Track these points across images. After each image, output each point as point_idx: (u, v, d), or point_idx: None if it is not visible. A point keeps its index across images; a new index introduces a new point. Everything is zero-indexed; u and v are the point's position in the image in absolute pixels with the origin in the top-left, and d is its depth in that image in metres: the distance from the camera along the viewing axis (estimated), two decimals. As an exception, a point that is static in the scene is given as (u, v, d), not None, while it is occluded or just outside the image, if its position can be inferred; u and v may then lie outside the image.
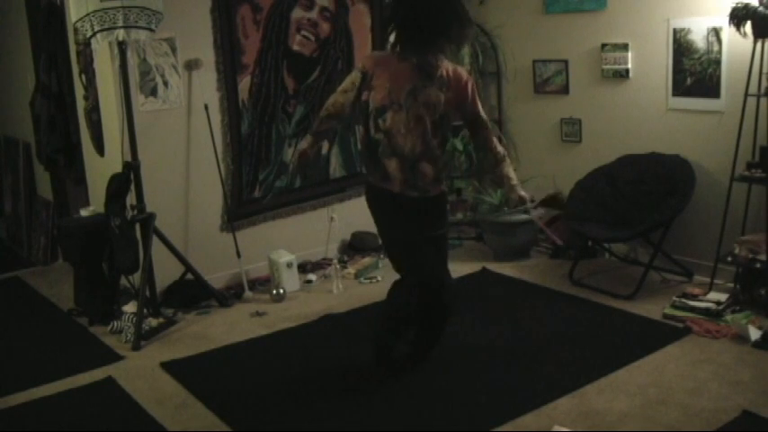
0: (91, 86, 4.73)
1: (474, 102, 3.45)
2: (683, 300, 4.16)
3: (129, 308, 4.38)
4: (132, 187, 4.35)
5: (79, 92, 4.92)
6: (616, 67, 4.86)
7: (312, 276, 5.04)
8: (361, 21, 5.33)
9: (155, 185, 4.52)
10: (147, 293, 4.39)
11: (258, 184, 5.02)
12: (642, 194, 4.62)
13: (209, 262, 4.81)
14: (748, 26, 3.99)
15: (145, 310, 4.29)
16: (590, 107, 5.12)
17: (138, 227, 4.38)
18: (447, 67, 3.38)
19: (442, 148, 3.43)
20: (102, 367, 3.89)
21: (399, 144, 3.33)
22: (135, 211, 4.35)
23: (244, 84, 4.85)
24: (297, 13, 5.01)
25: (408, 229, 3.41)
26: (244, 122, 4.88)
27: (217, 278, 4.84)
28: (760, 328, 3.80)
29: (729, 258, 4.17)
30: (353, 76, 3.47)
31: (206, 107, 4.65)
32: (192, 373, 3.79)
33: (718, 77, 4.38)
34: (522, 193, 3.48)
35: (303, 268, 5.11)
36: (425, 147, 3.35)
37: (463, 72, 3.46)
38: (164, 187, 4.63)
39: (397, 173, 3.36)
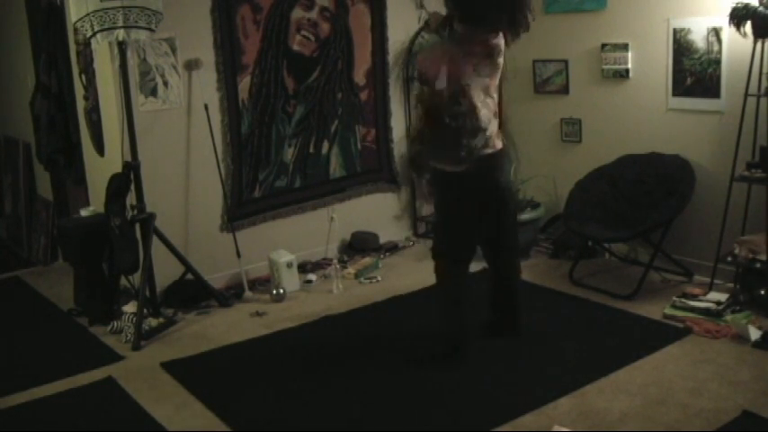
0: (91, 86, 4.73)
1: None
2: (683, 300, 4.16)
3: (129, 308, 4.37)
4: (132, 187, 4.35)
5: (79, 92, 4.92)
6: (616, 67, 4.86)
7: (312, 276, 5.04)
8: (361, 21, 5.33)
9: (155, 185, 4.52)
10: (147, 293, 4.39)
11: (258, 184, 5.02)
12: (642, 194, 4.62)
13: (209, 262, 4.81)
14: (748, 26, 3.98)
15: (145, 310, 4.29)
16: (590, 107, 5.12)
17: (138, 227, 4.38)
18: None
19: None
20: (102, 367, 3.89)
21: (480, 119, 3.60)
22: (135, 211, 4.35)
23: (244, 84, 4.85)
24: (297, 13, 5.01)
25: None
26: (244, 122, 4.89)
27: (217, 278, 4.84)
28: (760, 328, 3.80)
29: (729, 258, 4.17)
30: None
31: (206, 107, 4.65)
32: (191, 373, 3.79)
33: (718, 77, 4.38)
34: None
35: (303, 268, 5.11)
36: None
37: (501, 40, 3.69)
38: (164, 187, 4.63)
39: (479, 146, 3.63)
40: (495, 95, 3.71)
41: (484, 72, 3.62)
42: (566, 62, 5.19)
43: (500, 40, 3.64)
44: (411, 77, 5.55)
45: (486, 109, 3.63)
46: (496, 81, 3.70)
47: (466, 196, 3.70)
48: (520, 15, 3.54)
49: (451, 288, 3.79)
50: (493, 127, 3.67)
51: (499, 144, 3.71)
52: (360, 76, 5.38)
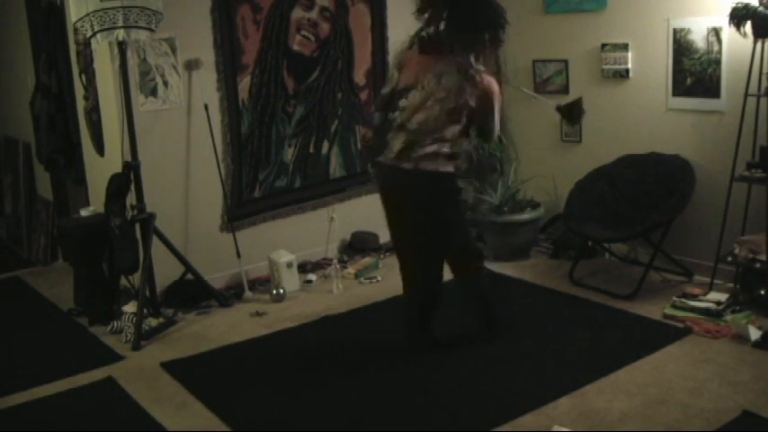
0: (91, 86, 4.73)
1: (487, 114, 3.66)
2: (683, 300, 4.16)
3: (129, 308, 4.37)
4: (132, 187, 4.35)
5: (79, 92, 4.92)
6: (616, 67, 4.86)
7: (312, 276, 5.04)
8: (361, 21, 5.33)
9: (155, 185, 4.52)
10: (147, 293, 4.39)
11: (258, 184, 5.02)
12: (642, 194, 4.62)
13: (209, 262, 4.81)
14: (748, 26, 3.99)
15: (145, 310, 4.29)
16: (590, 107, 5.09)
17: (138, 227, 4.38)
18: (480, 71, 3.61)
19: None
20: (102, 367, 3.89)
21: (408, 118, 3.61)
22: (135, 211, 4.36)
23: (244, 84, 4.85)
24: (297, 13, 5.01)
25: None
26: (244, 122, 4.89)
27: (217, 278, 4.84)
28: (760, 328, 3.80)
29: (729, 258, 4.17)
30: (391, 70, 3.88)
31: (206, 107, 4.65)
32: (192, 373, 3.79)
33: (718, 77, 4.38)
34: None
35: (303, 268, 5.11)
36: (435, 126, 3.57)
37: (494, 84, 3.66)
38: (164, 187, 4.63)
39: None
40: (450, 121, 3.55)
41: (448, 83, 3.54)
42: (566, 62, 5.19)
43: (465, 60, 3.57)
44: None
45: (424, 118, 3.55)
46: (457, 103, 3.54)
47: (380, 193, 3.89)
48: (497, 20, 3.54)
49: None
50: (435, 146, 3.54)
51: (428, 166, 3.54)
52: (360, 76, 5.38)
